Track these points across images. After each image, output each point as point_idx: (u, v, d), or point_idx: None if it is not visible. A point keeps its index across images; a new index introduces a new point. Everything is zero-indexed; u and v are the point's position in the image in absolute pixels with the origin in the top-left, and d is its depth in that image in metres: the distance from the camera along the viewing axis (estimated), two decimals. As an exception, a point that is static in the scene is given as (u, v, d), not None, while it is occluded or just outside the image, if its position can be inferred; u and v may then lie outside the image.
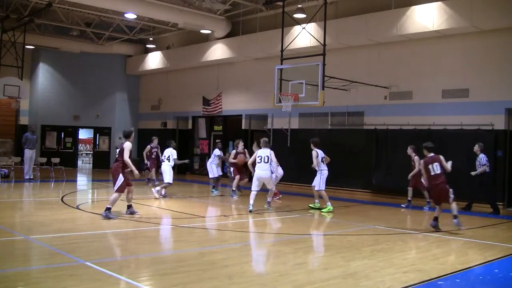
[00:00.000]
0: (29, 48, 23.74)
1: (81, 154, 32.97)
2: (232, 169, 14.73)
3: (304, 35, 15.95)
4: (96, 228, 8.91)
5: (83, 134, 31.63)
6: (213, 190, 15.39)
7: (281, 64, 14.29)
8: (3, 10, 20.59)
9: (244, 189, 14.74)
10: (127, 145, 9.91)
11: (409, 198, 13.28)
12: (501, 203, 13.49)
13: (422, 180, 13.09)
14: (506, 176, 13.83)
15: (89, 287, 5.27)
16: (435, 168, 9.36)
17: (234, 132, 21.25)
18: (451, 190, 9.40)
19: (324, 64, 13.07)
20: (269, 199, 12.19)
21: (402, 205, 13.24)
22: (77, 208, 11.38)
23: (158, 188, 13.70)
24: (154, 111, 25.59)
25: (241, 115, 20.78)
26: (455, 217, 9.37)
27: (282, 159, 14.14)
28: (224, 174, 15.64)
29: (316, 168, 12.12)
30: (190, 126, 23.87)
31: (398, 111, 15.65)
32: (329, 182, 14.86)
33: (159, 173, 17.25)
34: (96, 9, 20.64)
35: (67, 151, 25.62)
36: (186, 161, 16.96)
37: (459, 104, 14.36)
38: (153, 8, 18.23)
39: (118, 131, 25.28)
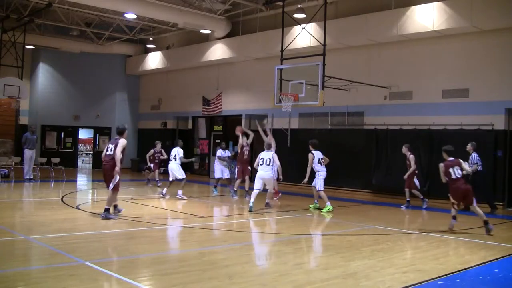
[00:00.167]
0: (29, 48, 23.75)
1: (81, 154, 32.97)
2: (237, 168, 14.70)
3: (304, 35, 15.95)
4: (96, 228, 8.90)
5: (83, 134, 31.63)
6: (214, 190, 15.44)
7: (281, 64, 14.29)
8: (3, 10, 20.59)
9: (241, 189, 14.74)
10: (123, 141, 9.73)
11: (408, 199, 13.29)
12: (501, 203, 13.50)
13: (415, 180, 13.13)
14: (506, 176, 13.83)
15: (89, 287, 5.27)
16: (456, 172, 9.31)
17: (234, 132, 21.22)
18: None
19: (324, 64, 13.07)
20: (267, 201, 12.25)
21: (402, 206, 13.24)
22: (77, 208, 11.38)
23: (180, 191, 13.67)
24: (154, 111, 25.59)
25: (241, 115, 20.77)
26: (486, 222, 9.26)
27: (282, 159, 14.10)
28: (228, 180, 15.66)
29: (315, 169, 12.22)
30: (190, 126, 23.87)
31: (398, 111, 15.65)
32: (329, 182, 14.87)
33: (159, 173, 17.37)
34: (96, 9, 20.64)
35: (67, 151, 25.63)
36: (193, 159, 17.09)
37: (459, 104, 14.36)
38: (153, 8, 18.24)
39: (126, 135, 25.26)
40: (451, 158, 9.57)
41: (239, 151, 14.50)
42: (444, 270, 6.44)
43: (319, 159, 12.27)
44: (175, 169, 13.67)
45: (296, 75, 13.77)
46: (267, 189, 12.16)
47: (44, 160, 20.03)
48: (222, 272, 5.99)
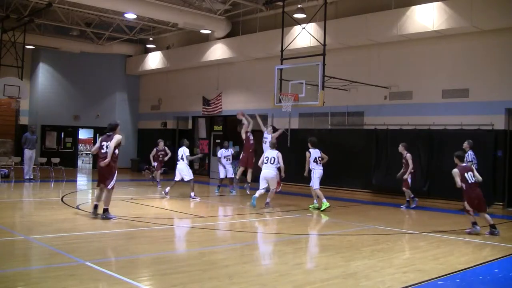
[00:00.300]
0: (29, 48, 23.74)
1: (81, 154, 32.97)
2: (241, 155, 14.73)
3: (304, 35, 15.94)
4: (96, 228, 8.90)
5: (83, 134, 31.64)
6: (216, 190, 15.47)
7: (281, 64, 14.29)
8: (3, 10, 20.59)
9: (242, 189, 14.74)
10: (118, 136, 9.58)
11: (407, 199, 13.31)
12: (501, 203, 13.51)
13: (408, 178, 13.12)
14: (506, 176, 13.82)
15: (89, 287, 5.27)
16: (470, 178, 9.26)
17: (234, 132, 21.24)
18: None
19: (324, 64, 13.07)
20: (268, 200, 12.25)
21: (402, 206, 13.24)
22: (77, 208, 11.38)
23: (193, 193, 13.68)
24: (154, 111, 25.59)
25: (241, 115, 20.75)
26: (493, 226, 9.24)
27: (282, 159, 14.13)
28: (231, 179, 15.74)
29: (310, 168, 12.33)
30: (190, 126, 23.86)
31: (398, 111, 15.65)
32: (329, 182, 14.89)
33: (160, 173, 17.34)
34: (96, 9, 20.64)
35: (67, 151, 25.62)
36: (200, 155, 17.14)
37: (459, 104, 14.36)
38: (153, 8, 18.23)
39: (118, 131, 25.28)
40: (464, 164, 9.54)
41: (244, 137, 14.48)
42: (444, 270, 6.44)
43: (315, 158, 12.30)
44: (183, 170, 13.70)
45: (296, 75, 13.76)
46: (269, 189, 12.20)
47: (44, 160, 20.03)
48: (222, 272, 5.99)
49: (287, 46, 14.96)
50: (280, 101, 13.74)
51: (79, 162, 28.98)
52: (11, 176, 17.85)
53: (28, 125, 24.18)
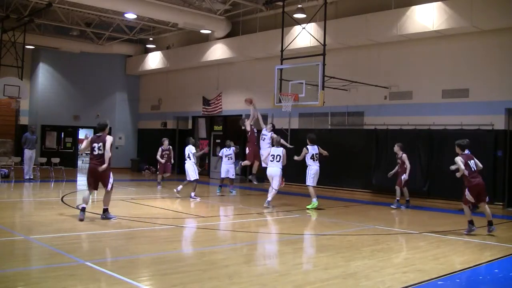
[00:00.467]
0: (29, 48, 23.74)
1: (81, 154, 32.94)
2: (247, 150, 14.64)
3: (304, 35, 15.95)
4: (96, 228, 8.90)
5: (83, 134, 31.60)
6: (218, 190, 15.46)
7: (281, 64, 14.29)
8: (3, 10, 20.59)
9: (242, 189, 14.73)
10: (110, 138, 9.40)
11: (407, 199, 13.30)
12: (501, 203, 13.51)
13: (402, 177, 13.10)
14: (506, 176, 13.82)
15: (89, 287, 5.27)
16: (473, 166, 9.17)
17: (234, 132, 21.24)
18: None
19: (324, 64, 13.07)
20: (269, 198, 12.26)
21: (402, 206, 13.23)
22: (77, 208, 11.35)
23: (193, 193, 13.68)
24: (154, 111, 25.59)
25: (241, 115, 20.72)
26: (490, 223, 9.14)
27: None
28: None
29: (306, 164, 12.39)
30: (190, 126, 23.86)
31: (398, 111, 15.65)
32: (329, 182, 14.88)
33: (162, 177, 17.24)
34: (96, 9, 20.64)
35: (67, 151, 25.64)
36: (205, 150, 17.13)
37: (459, 104, 14.36)
38: (153, 8, 18.23)
39: (118, 131, 25.33)
40: (467, 152, 9.44)
41: (248, 129, 14.40)
42: (444, 270, 6.43)
43: (313, 154, 12.30)
44: (189, 169, 13.69)
45: (296, 75, 13.77)
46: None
47: (44, 160, 20.02)
48: (222, 272, 5.99)
49: (287, 46, 14.96)
50: (280, 101, 13.75)
51: (79, 162, 28.95)
52: (11, 176, 17.84)
53: (28, 125, 24.18)
